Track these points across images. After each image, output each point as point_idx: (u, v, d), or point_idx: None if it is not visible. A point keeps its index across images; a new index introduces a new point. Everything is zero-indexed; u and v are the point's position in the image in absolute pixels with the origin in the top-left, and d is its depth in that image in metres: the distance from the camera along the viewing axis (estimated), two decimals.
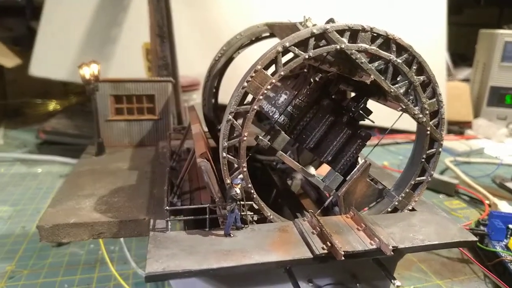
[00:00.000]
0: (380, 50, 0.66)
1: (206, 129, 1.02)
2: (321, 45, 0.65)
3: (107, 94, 1.07)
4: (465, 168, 1.56)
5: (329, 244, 0.60)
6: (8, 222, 1.13)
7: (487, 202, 1.23)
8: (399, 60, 0.67)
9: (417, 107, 0.70)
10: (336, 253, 0.58)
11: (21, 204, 1.24)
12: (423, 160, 0.74)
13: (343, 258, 0.58)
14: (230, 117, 0.64)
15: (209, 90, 1.01)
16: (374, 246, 0.61)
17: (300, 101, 0.75)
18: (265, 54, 0.64)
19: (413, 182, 0.75)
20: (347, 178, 0.73)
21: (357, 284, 0.70)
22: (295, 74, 0.86)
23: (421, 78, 0.69)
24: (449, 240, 0.67)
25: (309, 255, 0.60)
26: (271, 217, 0.70)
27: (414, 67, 0.68)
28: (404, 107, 0.70)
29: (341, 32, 0.64)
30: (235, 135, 0.65)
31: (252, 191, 0.68)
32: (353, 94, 0.80)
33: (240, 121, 0.66)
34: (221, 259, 0.58)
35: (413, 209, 0.76)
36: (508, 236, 0.96)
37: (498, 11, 3.14)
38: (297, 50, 0.64)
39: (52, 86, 2.34)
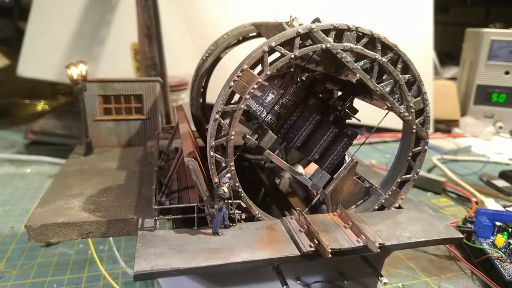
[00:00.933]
0: (366, 49, 0.67)
1: (194, 129, 1.02)
2: (307, 44, 0.66)
3: (95, 94, 1.07)
4: (453, 166, 1.57)
5: (316, 242, 0.60)
6: None
7: (474, 199, 1.24)
8: (384, 59, 0.68)
9: (402, 106, 0.71)
10: (323, 250, 0.59)
11: (9, 204, 1.23)
12: (409, 158, 0.75)
13: (330, 255, 0.58)
14: (217, 116, 0.64)
15: (197, 90, 1.01)
16: (361, 244, 0.62)
17: (287, 100, 0.76)
18: (252, 54, 0.64)
19: (399, 180, 0.76)
20: (334, 177, 0.74)
21: (345, 282, 0.71)
22: (282, 73, 0.87)
23: (406, 77, 0.70)
24: (436, 237, 0.67)
25: (296, 252, 0.61)
26: (259, 215, 0.70)
27: (399, 66, 0.69)
28: (389, 105, 0.70)
29: (326, 31, 0.65)
30: (222, 134, 0.66)
31: (240, 189, 0.68)
32: (339, 93, 0.80)
33: (227, 120, 0.66)
34: (209, 258, 0.58)
35: (399, 207, 0.77)
36: (495, 233, 0.96)
37: (485, 10, 3.16)
38: (283, 50, 0.64)
39: (40, 87, 2.33)
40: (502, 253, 0.90)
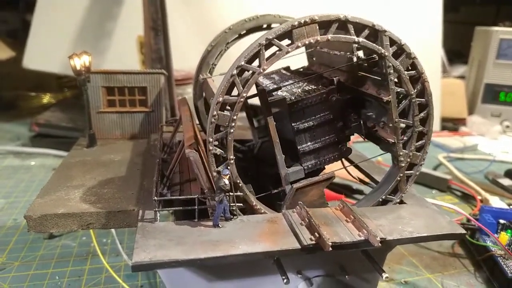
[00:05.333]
0: (410, 82, 0.68)
1: (197, 122, 1.01)
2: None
3: (98, 85, 1.07)
4: (459, 164, 1.57)
5: (317, 235, 0.59)
6: (0, 214, 1.13)
7: (479, 197, 1.24)
8: (417, 100, 0.69)
9: (404, 151, 0.72)
10: (324, 244, 0.58)
11: (13, 196, 1.24)
12: (380, 200, 0.75)
13: (330, 249, 0.58)
14: (264, 42, 0.63)
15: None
16: (362, 238, 0.61)
17: (311, 88, 0.76)
18: (327, 13, 0.64)
19: None
20: (308, 178, 0.73)
21: (346, 277, 0.70)
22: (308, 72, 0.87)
23: (421, 128, 0.71)
24: (438, 232, 0.67)
25: (297, 245, 0.60)
26: (257, 206, 0.69)
27: (422, 115, 0.70)
28: (396, 142, 0.71)
29: (392, 42, 0.66)
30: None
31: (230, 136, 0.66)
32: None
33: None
34: (208, 249, 0.58)
35: (402, 202, 0.76)
36: (499, 230, 0.96)
37: (495, 9, 3.15)
38: (352, 29, 0.65)
39: (46, 79, 2.32)
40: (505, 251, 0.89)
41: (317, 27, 0.63)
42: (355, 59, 0.77)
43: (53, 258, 0.94)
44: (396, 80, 0.68)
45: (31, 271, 0.90)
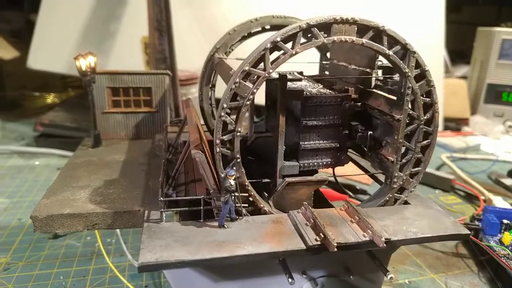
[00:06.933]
0: (424, 107, 0.69)
1: (202, 122, 1.01)
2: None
3: (104, 86, 1.07)
4: (462, 164, 1.57)
5: (322, 236, 0.60)
6: (4, 214, 1.13)
7: (482, 197, 1.24)
8: (423, 127, 0.70)
9: (400, 173, 0.73)
10: (329, 244, 0.58)
11: (17, 196, 1.24)
12: None
13: (335, 249, 0.58)
14: (304, 25, 0.63)
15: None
16: (367, 238, 0.62)
17: (326, 91, 0.77)
18: (368, 19, 0.64)
19: None
20: (301, 177, 0.73)
21: (351, 277, 0.70)
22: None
23: (420, 155, 0.72)
24: (442, 233, 0.67)
25: (302, 246, 0.60)
26: (264, 207, 0.69)
27: (425, 142, 0.71)
28: (395, 162, 0.72)
29: (418, 64, 0.67)
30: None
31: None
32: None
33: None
34: (214, 250, 0.58)
35: (406, 203, 0.76)
36: (502, 231, 0.96)
37: (497, 9, 3.14)
38: (385, 40, 0.66)
39: (50, 79, 2.32)
40: (509, 251, 0.89)
41: (355, 29, 0.64)
42: (374, 75, 0.78)
43: (58, 258, 0.95)
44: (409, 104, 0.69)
45: (35, 271, 0.90)
